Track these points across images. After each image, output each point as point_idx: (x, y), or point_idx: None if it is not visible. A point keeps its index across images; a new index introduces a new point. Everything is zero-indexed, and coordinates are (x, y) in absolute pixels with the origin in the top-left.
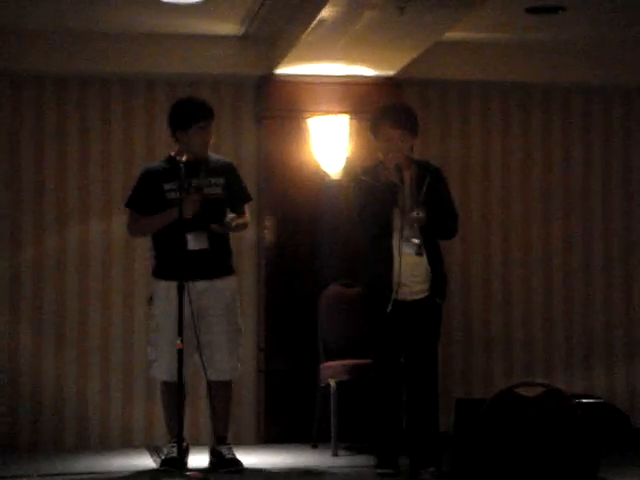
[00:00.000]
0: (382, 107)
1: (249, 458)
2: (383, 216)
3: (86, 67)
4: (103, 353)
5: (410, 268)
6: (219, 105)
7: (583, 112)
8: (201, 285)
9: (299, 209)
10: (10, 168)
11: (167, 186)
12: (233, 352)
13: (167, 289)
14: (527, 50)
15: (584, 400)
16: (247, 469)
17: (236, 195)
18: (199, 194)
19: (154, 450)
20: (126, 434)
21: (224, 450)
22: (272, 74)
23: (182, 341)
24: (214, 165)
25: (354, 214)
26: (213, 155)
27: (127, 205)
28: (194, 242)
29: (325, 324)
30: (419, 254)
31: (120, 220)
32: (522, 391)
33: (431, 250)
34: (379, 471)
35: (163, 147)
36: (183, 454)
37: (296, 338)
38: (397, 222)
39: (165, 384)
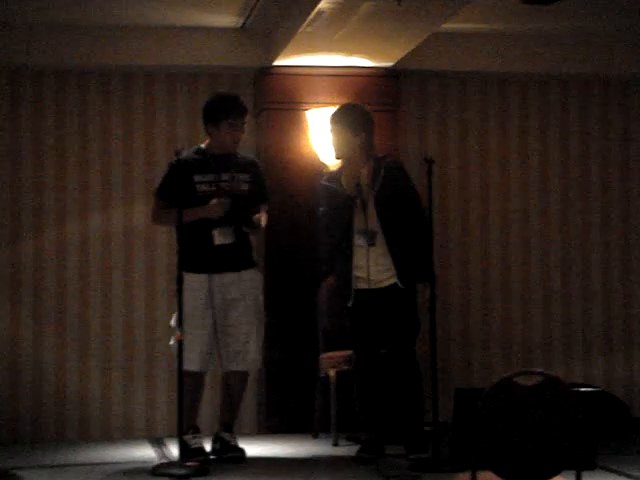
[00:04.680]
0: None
1: (250, 448)
2: (342, 221)
3: (85, 60)
4: (104, 345)
5: (367, 259)
6: None
7: (580, 102)
8: (228, 277)
9: (298, 200)
10: (10, 162)
11: (197, 178)
12: (259, 343)
13: (194, 281)
14: (524, 41)
15: (583, 389)
16: (248, 459)
17: (257, 194)
18: (229, 195)
19: (155, 441)
20: (127, 425)
21: (228, 437)
22: (270, 66)
23: (182, 332)
24: (241, 161)
25: (318, 216)
26: (239, 151)
27: (156, 193)
28: (220, 237)
29: (325, 315)
30: (371, 245)
31: (120, 214)
32: (520, 380)
33: (395, 239)
34: (356, 454)
35: (163, 139)
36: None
37: (296, 329)
38: (357, 222)
39: (189, 374)
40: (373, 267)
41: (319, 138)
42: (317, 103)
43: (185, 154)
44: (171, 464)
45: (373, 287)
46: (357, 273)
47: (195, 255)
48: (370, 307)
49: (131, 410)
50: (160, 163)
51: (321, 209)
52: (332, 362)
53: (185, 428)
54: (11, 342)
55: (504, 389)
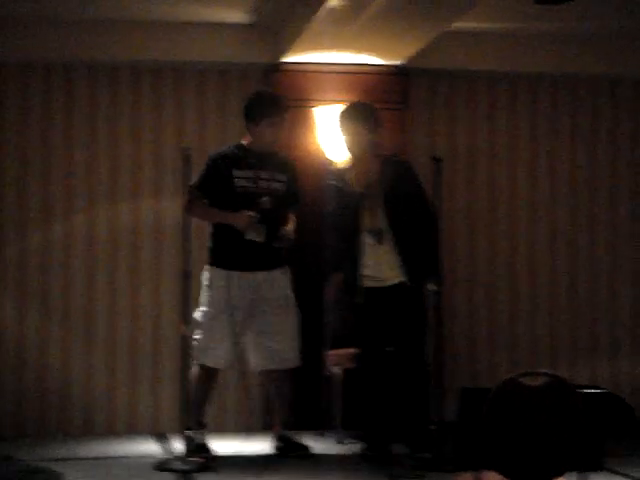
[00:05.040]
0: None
1: (255, 445)
2: (350, 219)
3: (94, 55)
4: (109, 339)
5: (375, 257)
6: (226, 93)
7: (591, 102)
8: (259, 276)
9: (305, 197)
10: (17, 158)
11: (237, 173)
12: (296, 340)
13: (224, 278)
14: (535, 40)
15: (589, 390)
16: (253, 456)
17: (291, 195)
18: (256, 211)
19: (160, 436)
20: (132, 420)
21: (291, 435)
22: (279, 62)
23: (189, 329)
24: (281, 160)
25: (326, 214)
26: (279, 151)
27: (193, 187)
28: (252, 233)
29: (331, 312)
30: (379, 242)
31: (127, 210)
32: (526, 380)
33: (403, 237)
34: (361, 452)
35: (170, 134)
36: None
37: (302, 326)
38: (365, 220)
39: (205, 369)
40: (381, 265)
41: (326, 135)
42: (325, 100)
43: (225, 149)
44: (175, 459)
45: (381, 285)
46: (365, 271)
47: (226, 252)
48: (378, 305)
49: (136, 405)
50: (168, 159)
51: (329, 208)
52: (338, 360)
53: (191, 423)
54: (16, 337)
55: (509, 389)
